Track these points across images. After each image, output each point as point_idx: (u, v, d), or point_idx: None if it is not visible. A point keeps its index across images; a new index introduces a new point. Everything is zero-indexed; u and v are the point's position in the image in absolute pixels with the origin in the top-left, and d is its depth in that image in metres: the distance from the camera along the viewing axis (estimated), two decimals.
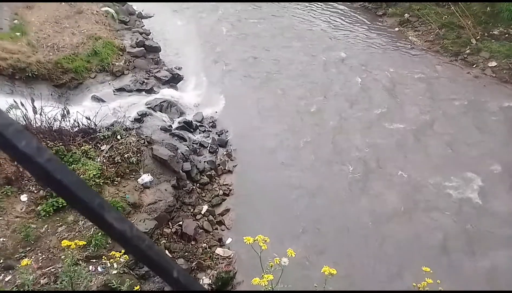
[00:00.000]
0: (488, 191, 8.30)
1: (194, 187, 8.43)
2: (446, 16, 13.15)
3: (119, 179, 7.68)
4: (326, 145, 9.63)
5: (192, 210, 8.05)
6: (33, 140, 0.48)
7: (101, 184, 7.36)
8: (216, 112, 10.69)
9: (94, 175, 7.39)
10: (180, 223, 7.66)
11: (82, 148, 7.90)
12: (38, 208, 6.85)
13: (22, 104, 7.89)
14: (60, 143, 7.72)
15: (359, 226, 7.80)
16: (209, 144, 9.53)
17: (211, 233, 7.72)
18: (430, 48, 12.86)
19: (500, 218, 7.77)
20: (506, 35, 12.24)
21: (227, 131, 10.14)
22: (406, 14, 14.05)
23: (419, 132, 9.87)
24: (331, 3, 15.75)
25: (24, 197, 7.10)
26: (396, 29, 13.99)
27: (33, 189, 7.25)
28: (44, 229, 6.73)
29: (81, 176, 7.36)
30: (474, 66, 11.85)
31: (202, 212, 7.98)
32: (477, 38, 12.37)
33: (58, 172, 0.48)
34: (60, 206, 6.84)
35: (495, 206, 8.02)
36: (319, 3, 15.88)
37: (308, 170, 9.05)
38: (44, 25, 11.73)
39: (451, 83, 11.49)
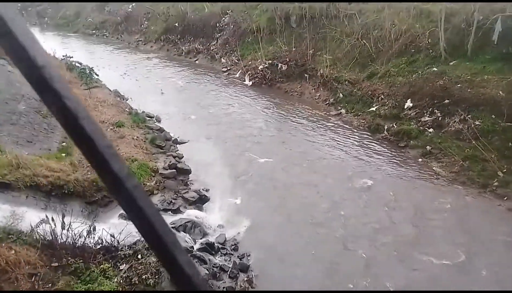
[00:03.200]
0: None
1: None
2: (468, 150, 13.44)
3: None
4: (357, 277, 9.00)
5: None
6: (125, 166, 0.52)
7: None
8: (239, 233, 10.54)
9: None
10: None
11: (101, 266, 7.78)
12: None
13: (53, 219, 8.16)
14: (81, 261, 7.67)
15: None
16: (230, 269, 9.15)
17: None
18: (456, 179, 12.82)
19: None
20: None
21: (249, 255, 9.81)
22: (427, 147, 14.48)
23: (458, 270, 9.15)
24: (355, 133, 16.63)
25: None
26: (420, 160, 14.28)
27: None
28: None
29: None
30: (505, 199, 11.54)
31: None
32: (504, 171, 12.34)
33: (141, 200, 0.52)
34: None
35: None
36: (341, 131, 16.81)
37: None
38: None
39: (484, 215, 11.07)
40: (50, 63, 0.50)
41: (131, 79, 25.22)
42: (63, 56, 20.97)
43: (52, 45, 28.55)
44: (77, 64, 19.42)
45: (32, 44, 0.49)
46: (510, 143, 12.94)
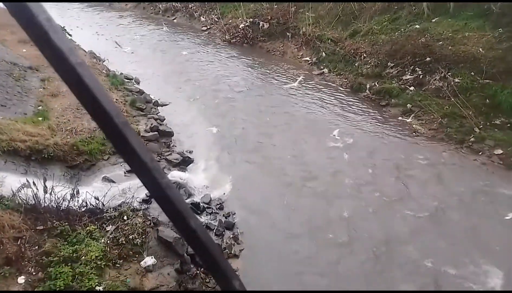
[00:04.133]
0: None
1: (198, 272, 8.05)
2: (447, 107, 13.71)
3: (121, 261, 7.43)
4: (337, 232, 9.36)
5: None
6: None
7: (103, 266, 7.11)
8: (224, 194, 10.69)
9: (96, 256, 7.18)
10: None
11: (88, 228, 7.81)
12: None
13: (34, 184, 8.03)
14: (66, 223, 7.66)
15: None
16: (216, 227, 9.35)
17: None
18: (434, 136, 13.17)
19: None
20: (508, 125, 12.57)
21: (234, 213, 10.02)
22: (408, 105, 14.69)
23: (433, 219, 9.62)
24: (338, 92, 16.66)
25: (21, 279, 6.83)
26: (400, 118, 14.53)
27: (32, 270, 7.00)
28: None
29: (83, 257, 7.16)
30: (480, 153, 11.99)
31: None
32: (480, 127, 12.72)
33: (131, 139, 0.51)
34: (57, 289, 6.52)
35: None
36: (323, 91, 16.81)
37: (318, 256, 8.67)
38: (66, 111, 12.48)
39: (459, 169, 11.52)
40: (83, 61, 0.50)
41: (106, 39, 24.15)
42: None
43: None
44: None
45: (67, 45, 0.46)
46: (487, 100, 13.25)
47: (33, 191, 7.96)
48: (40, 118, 11.65)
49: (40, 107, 12.30)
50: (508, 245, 8.72)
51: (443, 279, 8.06)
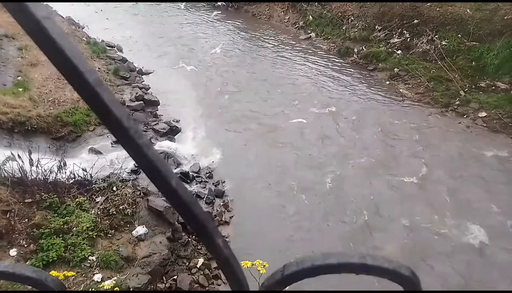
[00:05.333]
0: (490, 240, 8.15)
1: (189, 239, 8.21)
2: (434, 70, 13.74)
3: (113, 231, 7.49)
4: (326, 197, 9.56)
5: (187, 263, 7.77)
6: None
7: (94, 236, 7.16)
8: (213, 162, 10.72)
9: (87, 227, 7.21)
10: (175, 277, 7.35)
11: (77, 199, 7.79)
12: (27, 263, 6.58)
13: (19, 157, 7.89)
14: (55, 195, 7.62)
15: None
16: (206, 195, 9.45)
17: (207, 288, 7.39)
18: (421, 100, 13.27)
19: (500, 267, 7.55)
20: (493, 87, 12.72)
21: (224, 181, 10.10)
22: (395, 69, 14.67)
23: (417, 182, 9.88)
24: (325, 57, 16.48)
25: (13, 252, 6.86)
26: (387, 82, 14.53)
27: (24, 243, 7.03)
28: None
29: (74, 228, 7.19)
30: (465, 116, 12.18)
31: (198, 266, 7.70)
32: (465, 90, 12.85)
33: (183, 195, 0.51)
34: (50, 260, 6.59)
35: (496, 254, 7.83)
36: (310, 56, 16.62)
37: (306, 219, 8.90)
38: (47, 81, 12.10)
39: (444, 132, 11.72)
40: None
41: (87, 5, 23.08)
42: None
43: None
44: None
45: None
46: (473, 63, 13.31)
47: (19, 163, 7.83)
48: (21, 89, 11.28)
49: (20, 77, 11.89)
50: (487, 203, 9.08)
51: (420, 233, 8.40)
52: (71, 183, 8.29)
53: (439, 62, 13.72)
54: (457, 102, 12.64)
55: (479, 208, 8.97)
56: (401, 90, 13.95)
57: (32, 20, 0.43)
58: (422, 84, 13.71)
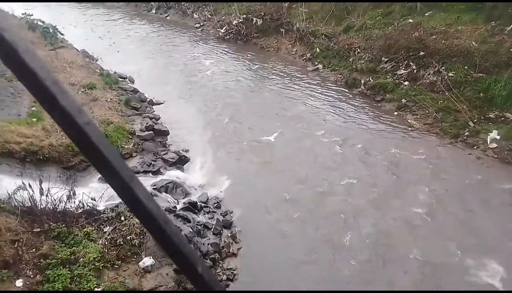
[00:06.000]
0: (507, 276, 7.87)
1: None
2: (441, 101, 13.78)
3: (120, 262, 7.42)
4: (335, 228, 9.41)
5: None
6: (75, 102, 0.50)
7: (101, 267, 7.09)
8: (221, 192, 10.69)
9: (94, 258, 7.16)
10: None
11: (85, 229, 7.78)
12: None
13: (30, 186, 7.97)
14: (63, 225, 7.63)
15: None
16: (214, 226, 9.36)
17: None
18: (429, 131, 13.24)
19: None
20: (502, 119, 12.67)
21: (232, 212, 10.03)
22: (403, 100, 14.75)
23: (428, 214, 9.69)
24: (332, 88, 16.67)
25: (19, 282, 6.80)
26: (395, 113, 14.58)
27: (30, 273, 6.98)
28: None
29: (81, 259, 7.14)
30: (475, 147, 12.08)
31: None
32: (474, 121, 12.81)
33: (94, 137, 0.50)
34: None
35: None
36: (318, 87, 16.82)
37: (316, 251, 8.72)
38: None
39: (455, 163, 11.60)
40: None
41: (100, 37, 23.95)
42: (22, 14, 19.49)
43: (9, 3, 26.45)
44: (39, 23, 18.15)
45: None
46: (481, 94, 13.34)
47: (29, 193, 7.90)
48: (34, 119, 11.55)
49: (34, 108, 12.19)
50: (500, 234, 8.84)
51: (428, 268, 8.14)
52: (80, 212, 8.31)
53: (447, 93, 13.77)
54: (466, 133, 12.58)
55: (495, 245, 8.70)
56: (409, 120, 13.96)
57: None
58: (430, 115, 13.72)
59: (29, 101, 12.54)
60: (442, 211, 9.79)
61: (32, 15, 18.88)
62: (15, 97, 12.50)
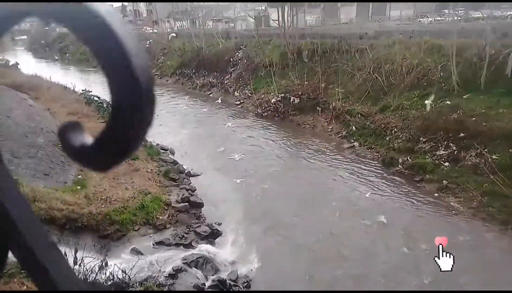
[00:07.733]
0: None
1: None
2: (487, 185, 13.10)
3: None
4: None
5: None
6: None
7: None
8: (252, 270, 10.31)
9: None
10: None
11: None
12: None
13: (65, 254, 8.14)
14: None
15: None
16: None
17: None
18: (475, 215, 12.44)
19: None
20: None
21: None
22: (444, 181, 14.19)
23: None
24: (369, 168, 16.45)
25: None
26: (436, 195, 13.96)
27: None
28: None
29: None
30: None
31: None
32: None
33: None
34: None
35: None
36: (355, 165, 16.66)
37: None
38: (103, 180, 13.01)
39: (506, 254, 10.62)
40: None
41: None
42: (82, 90, 21.68)
43: (72, 79, 29.65)
44: (95, 98, 20.05)
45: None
46: None
47: None
48: (78, 187, 12.17)
49: (80, 176, 12.92)
50: None
51: None
52: (109, 284, 8.25)
53: (492, 177, 13.13)
54: None
55: None
56: (452, 203, 13.27)
57: None
58: (475, 198, 12.99)
59: (76, 170, 13.35)
60: None
61: (90, 91, 20.96)
62: (64, 166, 13.37)
